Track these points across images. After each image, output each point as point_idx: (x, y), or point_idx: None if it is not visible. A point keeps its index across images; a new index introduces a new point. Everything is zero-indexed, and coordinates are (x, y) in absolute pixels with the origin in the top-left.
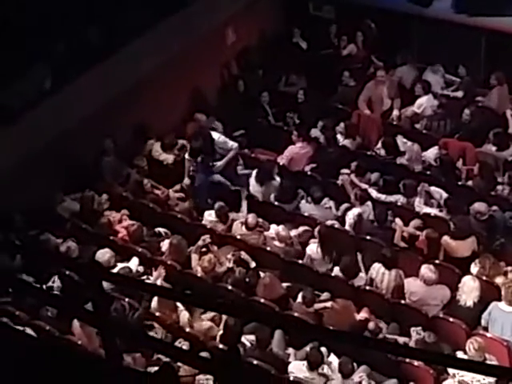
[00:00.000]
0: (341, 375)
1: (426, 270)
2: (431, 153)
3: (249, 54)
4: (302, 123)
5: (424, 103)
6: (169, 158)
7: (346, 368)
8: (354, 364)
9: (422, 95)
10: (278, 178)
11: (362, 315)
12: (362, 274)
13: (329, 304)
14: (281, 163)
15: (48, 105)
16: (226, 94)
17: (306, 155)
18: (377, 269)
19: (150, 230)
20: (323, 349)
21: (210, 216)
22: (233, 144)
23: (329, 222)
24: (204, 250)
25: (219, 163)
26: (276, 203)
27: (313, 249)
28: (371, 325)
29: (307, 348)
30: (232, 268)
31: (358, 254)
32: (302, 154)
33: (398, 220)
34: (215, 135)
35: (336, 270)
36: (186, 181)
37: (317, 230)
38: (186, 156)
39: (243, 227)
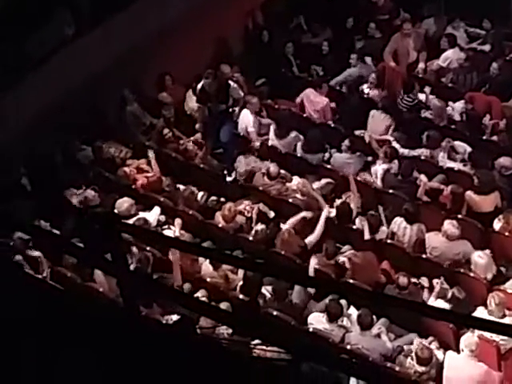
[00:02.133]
0: (359, 327)
1: (449, 226)
2: (457, 107)
3: (274, 4)
4: (325, 75)
5: (450, 56)
6: (194, 106)
7: (365, 320)
8: (373, 316)
9: (448, 49)
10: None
11: (383, 268)
12: (384, 228)
13: (348, 255)
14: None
15: (70, 52)
16: (250, 44)
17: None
18: (398, 223)
19: (172, 180)
20: (343, 301)
21: None
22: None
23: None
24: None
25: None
26: (299, 155)
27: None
28: (402, 279)
29: (326, 300)
30: (251, 218)
31: (379, 207)
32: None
33: (422, 176)
34: (232, 83)
35: (357, 223)
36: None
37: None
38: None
39: (265, 177)
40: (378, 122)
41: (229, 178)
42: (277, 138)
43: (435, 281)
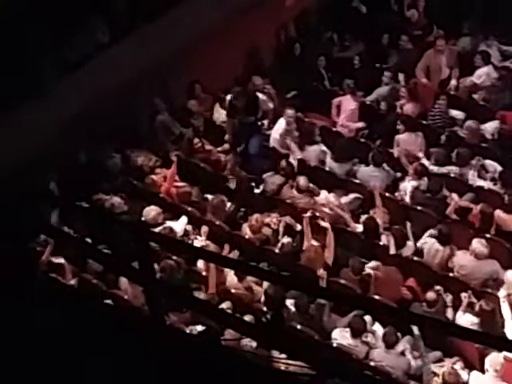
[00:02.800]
0: (384, 345)
1: (478, 245)
2: (490, 126)
3: (307, 17)
4: (357, 88)
5: (483, 74)
6: (221, 116)
7: (390, 339)
8: (399, 334)
9: (482, 66)
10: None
11: (409, 285)
12: (411, 243)
13: (371, 271)
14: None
15: (104, 59)
16: (282, 56)
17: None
18: (430, 244)
19: (200, 190)
20: (367, 317)
21: None
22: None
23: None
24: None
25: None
26: (328, 168)
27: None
28: (430, 295)
29: (351, 315)
30: (277, 230)
31: (407, 223)
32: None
33: (454, 194)
34: (261, 95)
35: (383, 238)
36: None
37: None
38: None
39: (293, 190)
40: (409, 138)
41: (257, 190)
42: (300, 150)
43: (463, 294)
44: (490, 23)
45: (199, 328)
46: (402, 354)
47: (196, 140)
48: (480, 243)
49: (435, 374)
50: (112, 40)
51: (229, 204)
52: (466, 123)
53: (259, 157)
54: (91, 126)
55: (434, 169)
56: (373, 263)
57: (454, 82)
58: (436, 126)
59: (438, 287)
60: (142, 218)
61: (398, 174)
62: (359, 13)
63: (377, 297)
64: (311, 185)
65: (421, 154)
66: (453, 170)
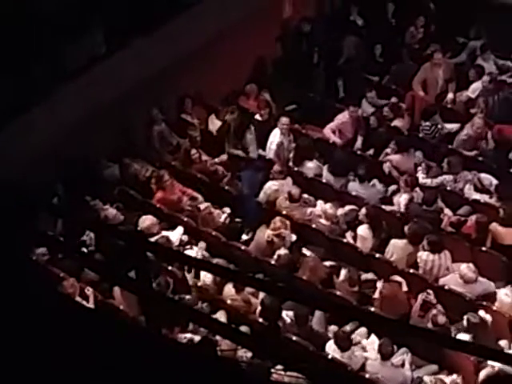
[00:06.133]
0: (380, 356)
1: (466, 270)
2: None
3: (305, 28)
4: (349, 99)
5: (478, 88)
6: (217, 128)
7: (386, 350)
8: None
9: (476, 80)
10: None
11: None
12: None
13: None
14: (330, 139)
15: (100, 69)
16: (280, 68)
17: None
18: (424, 258)
19: (194, 200)
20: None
21: None
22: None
23: (374, 203)
24: None
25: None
26: (324, 180)
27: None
28: (441, 319)
29: (347, 327)
30: (272, 241)
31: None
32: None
33: (447, 210)
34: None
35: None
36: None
37: (364, 211)
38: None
39: (287, 201)
40: (400, 159)
41: (244, 237)
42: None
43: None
44: (488, 37)
45: (196, 338)
46: (402, 365)
47: (193, 151)
48: (468, 269)
49: None
50: (108, 51)
51: (225, 215)
52: (465, 130)
53: (251, 199)
54: (87, 136)
55: (428, 181)
56: (369, 275)
57: (450, 96)
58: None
59: (439, 307)
60: (138, 228)
61: (392, 188)
62: (356, 26)
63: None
64: (306, 195)
65: (419, 168)
66: (445, 179)
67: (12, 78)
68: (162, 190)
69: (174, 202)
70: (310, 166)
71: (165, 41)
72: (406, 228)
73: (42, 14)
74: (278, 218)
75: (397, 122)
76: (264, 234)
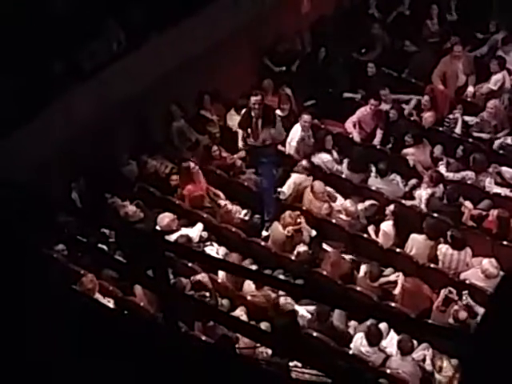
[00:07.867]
0: (400, 352)
1: (488, 265)
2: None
3: (323, 25)
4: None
5: (500, 80)
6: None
7: (405, 346)
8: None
9: (498, 71)
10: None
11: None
12: None
13: (392, 277)
14: (350, 133)
15: (118, 67)
16: (298, 63)
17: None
18: (444, 251)
19: (217, 196)
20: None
21: None
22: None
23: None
24: None
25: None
26: (344, 175)
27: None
28: (462, 314)
29: (368, 323)
30: (292, 236)
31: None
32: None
33: (467, 202)
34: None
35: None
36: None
37: (392, 207)
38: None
39: (310, 194)
40: (416, 151)
41: (264, 233)
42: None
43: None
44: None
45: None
46: (423, 360)
47: (214, 148)
48: (490, 264)
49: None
50: (127, 48)
51: (244, 211)
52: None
53: (270, 193)
54: (106, 133)
55: (450, 175)
56: (389, 270)
57: (470, 89)
58: (452, 134)
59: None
60: (157, 226)
61: (412, 182)
62: (374, 19)
63: (404, 309)
64: (329, 189)
65: (441, 162)
66: (468, 175)
67: (30, 77)
68: (191, 182)
69: (200, 197)
70: (325, 158)
71: (182, 37)
72: (423, 223)
73: (59, 12)
74: (287, 213)
75: (427, 117)
76: (279, 229)
